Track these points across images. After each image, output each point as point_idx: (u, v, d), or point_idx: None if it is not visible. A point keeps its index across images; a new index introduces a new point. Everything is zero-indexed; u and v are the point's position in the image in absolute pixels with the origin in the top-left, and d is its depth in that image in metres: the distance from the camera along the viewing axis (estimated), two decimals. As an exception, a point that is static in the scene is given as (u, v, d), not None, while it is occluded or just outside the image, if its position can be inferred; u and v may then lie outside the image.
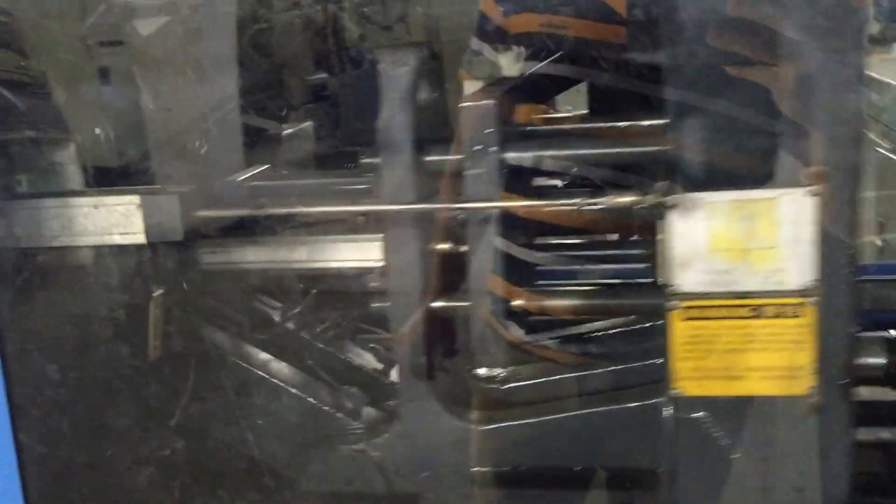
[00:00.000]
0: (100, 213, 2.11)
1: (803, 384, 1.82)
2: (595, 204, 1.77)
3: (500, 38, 1.91)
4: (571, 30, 1.76)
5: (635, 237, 2.41)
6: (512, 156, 2.02)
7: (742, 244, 1.78)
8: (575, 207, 1.79)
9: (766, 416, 1.89)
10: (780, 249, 1.77)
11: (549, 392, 2.41)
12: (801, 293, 1.78)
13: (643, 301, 2.03)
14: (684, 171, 1.81)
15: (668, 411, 2.04)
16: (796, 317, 1.79)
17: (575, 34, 1.77)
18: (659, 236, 1.82)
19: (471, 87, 2.15)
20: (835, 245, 1.76)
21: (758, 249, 1.78)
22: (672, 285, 1.83)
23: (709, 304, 1.82)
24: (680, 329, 1.85)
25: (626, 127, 2.01)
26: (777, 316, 1.80)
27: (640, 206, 1.74)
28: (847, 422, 1.85)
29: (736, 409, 1.92)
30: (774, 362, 1.83)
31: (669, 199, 1.71)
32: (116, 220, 2.10)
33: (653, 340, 1.99)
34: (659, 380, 1.91)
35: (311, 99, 2.53)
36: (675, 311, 1.84)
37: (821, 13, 1.69)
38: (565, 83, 2.21)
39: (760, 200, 1.76)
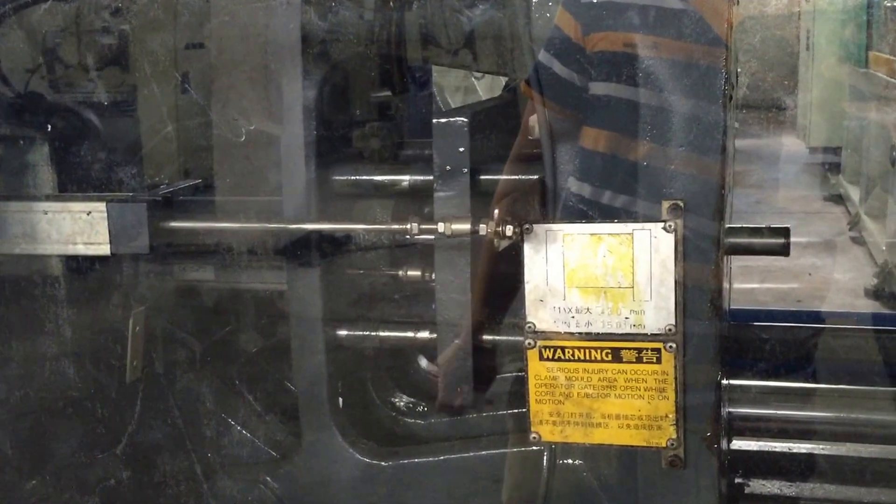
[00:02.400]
0: (64, 220, 2.01)
1: (664, 435, 1.69)
2: (431, 231, 1.67)
3: (575, 55, 1.81)
4: (664, 51, 1.65)
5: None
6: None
7: (600, 282, 1.67)
8: (409, 233, 1.69)
9: (630, 466, 1.77)
10: (638, 289, 1.65)
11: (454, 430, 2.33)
12: (660, 337, 1.66)
13: (505, 338, 1.92)
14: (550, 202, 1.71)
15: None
16: (656, 362, 1.67)
17: (666, 56, 1.65)
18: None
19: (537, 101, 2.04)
20: (694, 285, 1.63)
21: (616, 288, 1.66)
22: (529, 323, 1.71)
23: (565, 345, 1.71)
24: (536, 370, 1.73)
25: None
26: (636, 361, 1.68)
27: (476, 234, 1.64)
28: (714, 476, 1.72)
29: (603, 457, 1.81)
30: (634, 410, 1.70)
31: (505, 230, 1.60)
32: (81, 227, 2.00)
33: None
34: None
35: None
36: (531, 351, 1.73)
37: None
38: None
39: (617, 235, 1.64)
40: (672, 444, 1.68)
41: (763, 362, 3.06)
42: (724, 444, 1.77)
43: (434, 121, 1.88)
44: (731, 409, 2.87)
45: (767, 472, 3.09)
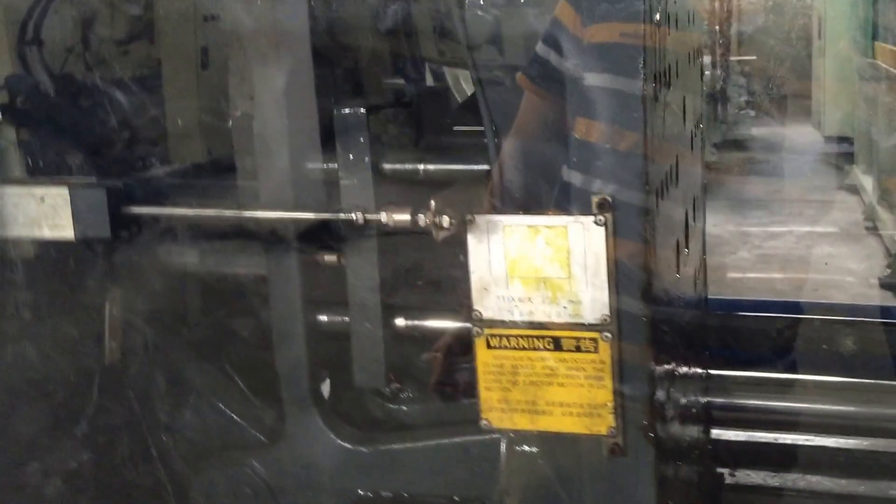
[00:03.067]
0: (30, 204, 2.06)
1: (604, 423, 1.75)
2: (370, 221, 1.73)
3: (574, 47, 1.87)
4: (651, 39, 1.70)
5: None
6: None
7: (539, 272, 1.72)
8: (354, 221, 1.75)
9: (574, 453, 1.83)
10: (575, 280, 1.70)
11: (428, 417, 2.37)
12: (597, 327, 1.71)
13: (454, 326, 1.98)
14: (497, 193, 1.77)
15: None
16: (594, 351, 1.72)
17: (654, 44, 1.71)
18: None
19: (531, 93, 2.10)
20: (627, 277, 1.69)
21: (554, 279, 1.72)
22: (475, 311, 1.77)
23: (509, 333, 1.76)
24: (484, 357, 1.79)
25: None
26: (576, 350, 1.73)
27: (416, 224, 1.70)
28: (651, 463, 1.77)
29: (548, 444, 1.86)
30: (575, 399, 1.76)
31: (443, 220, 1.66)
32: (46, 212, 2.05)
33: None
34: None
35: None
36: (479, 339, 1.79)
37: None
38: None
39: (553, 227, 1.70)
40: (612, 433, 1.74)
41: (743, 352, 3.10)
42: (664, 432, 1.81)
43: (335, 112, 1.94)
44: (711, 399, 2.92)
45: (753, 462, 3.14)
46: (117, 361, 2.26)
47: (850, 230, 9.41)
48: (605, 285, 1.68)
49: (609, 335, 1.70)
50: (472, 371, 1.98)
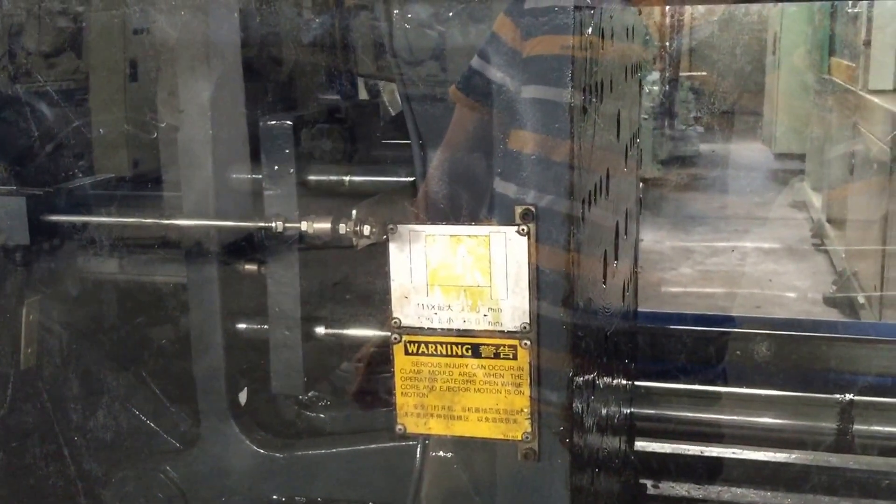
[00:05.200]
0: None
1: (519, 429, 1.77)
2: (289, 229, 1.74)
3: (511, 60, 1.88)
4: (582, 52, 1.71)
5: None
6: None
7: (460, 280, 1.74)
8: (274, 230, 1.76)
9: (489, 458, 1.85)
10: (496, 288, 1.72)
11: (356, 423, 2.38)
12: (516, 335, 1.73)
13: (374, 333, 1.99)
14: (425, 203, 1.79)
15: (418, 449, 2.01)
16: (512, 358, 1.74)
17: (585, 56, 1.72)
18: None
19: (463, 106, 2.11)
20: (548, 286, 1.71)
21: (475, 287, 1.74)
22: (394, 318, 1.79)
23: (428, 340, 1.78)
24: (402, 363, 1.81)
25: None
26: (494, 357, 1.75)
27: (337, 233, 1.71)
28: (566, 469, 1.79)
29: (464, 449, 1.88)
30: (492, 404, 1.78)
31: (364, 229, 1.67)
32: None
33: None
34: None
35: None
36: (397, 345, 1.80)
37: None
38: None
39: (475, 237, 1.72)
40: (527, 438, 1.76)
41: (669, 364, 3.13)
42: (581, 440, 1.84)
43: (261, 123, 1.98)
44: (634, 410, 2.95)
45: (678, 474, 3.17)
46: (33, 367, 2.26)
47: (796, 247, 9.52)
48: (526, 293, 1.70)
49: (528, 342, 1.72)
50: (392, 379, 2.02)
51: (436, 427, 1.82)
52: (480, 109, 2.01)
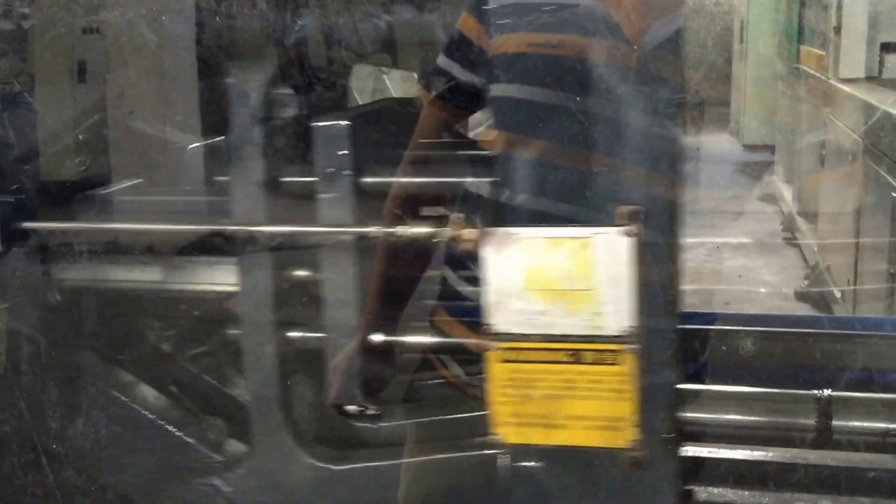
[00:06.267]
0: None
1: (625, 436, 1.71)
2: (391, 234, 1.68)
3: (477, 58, 1.84)
4: (567, 49, 1.66)
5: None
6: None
7: (559, 284, 1.68)
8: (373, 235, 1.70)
9: (591, 468, 1.79)
10: (597, 292, 1.67)
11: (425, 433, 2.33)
12: (620, 339, 1.67)
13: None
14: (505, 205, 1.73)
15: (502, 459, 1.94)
16: (616, 364, 1.69)
17: (571, 54, 1.67)
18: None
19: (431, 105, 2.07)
20: (653, 290, 1.66)
21: (575, 291, 1.68)
22: (489, 324, 1.72)
23: (525, 347, 1.72)
24: (497, 371, 1.74)
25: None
26: (596, 362, 1.69)
27: (435, 238, 1.65)
28: (673, 479, 1.74)
29: (561, 459, 1.82)
30: (595, 412, 1.72)
31: (466, 233, 1.61)
32: None
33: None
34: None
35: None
36: (492, 353, 1.74)
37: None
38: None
39: (575, 239, 1.66)
40: (633, 446, 1.70)
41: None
42: (682, 448, 1.79)
43: (314, 124, 1.93)
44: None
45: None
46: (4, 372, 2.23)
47: (766, 241, 9.55)
48: (630, 296, 1.65)
49: (632, 347, 1.67)
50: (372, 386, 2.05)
51: (535, 436, 1.76)
52: (448, 108, 2.00)
